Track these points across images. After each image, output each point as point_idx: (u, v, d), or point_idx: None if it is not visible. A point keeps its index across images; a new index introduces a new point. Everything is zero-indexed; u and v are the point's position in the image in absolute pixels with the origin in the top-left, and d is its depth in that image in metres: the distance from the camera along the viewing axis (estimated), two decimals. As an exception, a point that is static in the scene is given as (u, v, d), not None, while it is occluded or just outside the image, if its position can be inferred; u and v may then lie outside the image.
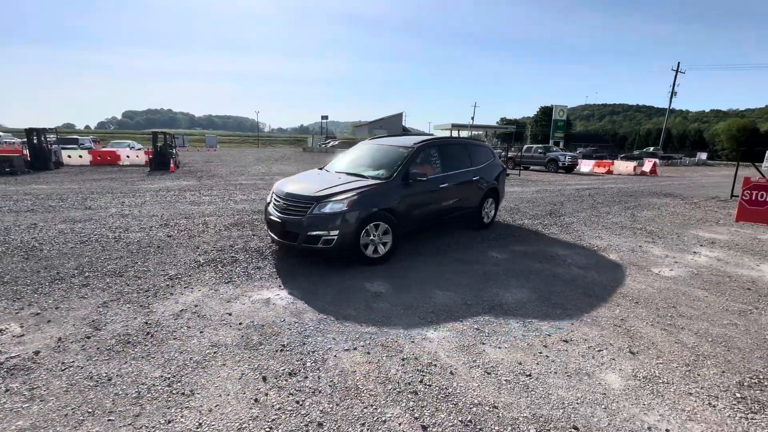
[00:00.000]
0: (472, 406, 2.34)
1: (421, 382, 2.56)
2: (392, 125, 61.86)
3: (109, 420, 2.14)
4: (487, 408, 2.33)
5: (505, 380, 2.61)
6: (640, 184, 16.54)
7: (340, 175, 5.40)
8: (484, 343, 3.09)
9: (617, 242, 6.38)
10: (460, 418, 2.23)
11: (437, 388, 2.51)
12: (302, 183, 5.21)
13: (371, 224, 4.67)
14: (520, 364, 2.81)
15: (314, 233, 4.46)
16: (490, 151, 7.23)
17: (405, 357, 2.85)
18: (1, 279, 4.09)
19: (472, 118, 70.37)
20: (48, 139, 18.06)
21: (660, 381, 2.66)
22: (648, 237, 6.79)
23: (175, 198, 9.67)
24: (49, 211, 7.55)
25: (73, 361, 2.69)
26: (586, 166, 24.28)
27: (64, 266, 4.52)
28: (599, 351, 3.02)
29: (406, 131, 65.87)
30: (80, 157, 19.41)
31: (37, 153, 16.46)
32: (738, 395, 2.53)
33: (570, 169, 22.44)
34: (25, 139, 17.25)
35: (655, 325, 3.47)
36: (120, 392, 2.38)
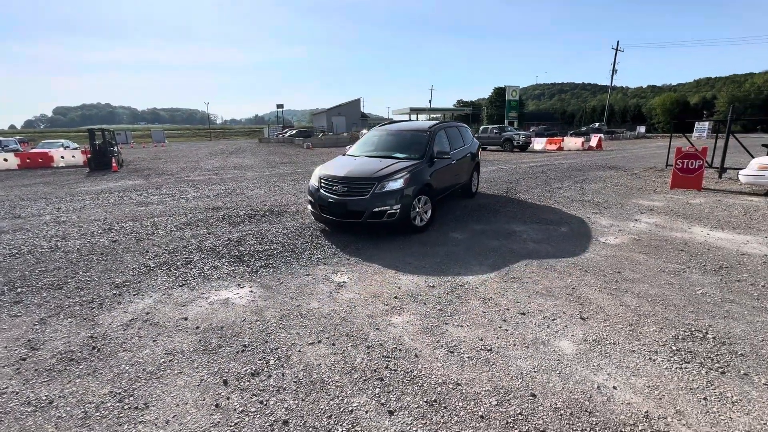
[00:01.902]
0: (436, 385, 2.40)
1: (386, 368, 2.58)
2: (351, 111, 60.92)
3: (51, 446, 1.98)
4: (450, 386, 2.39)
5: (468, 357, 2.69)
6: (588, 158, 17.53)
7: (379, 160, 6.00)
8: (446, 323, 3.16)
9: (568, 215, 6.74)
10: (425, 399, 2.28)
11: (402, 372, 2.54)
12: (350, 167, 5.72)
13: (418, 197, 5.48)
14: (481, 339, 2.91)
15: (379, 209, 5.17)
16: (470, 132, 8.52)
17: (370, 345, 2.86)
18: None
19: (430, 102, 71.00)
20: (-37, 143, 16.09)
21: (607, 342, 2.86)
22: (595, 208, 7.23)
23: (120, 199, 9.00)
24: (-30, 224, 6.75)
25: (6, 387, 2.44)
26: (539, 143, 25.34)
27: (-9, 283, 4.08)
28: (553, 320, 3.19)
29: (364, 117, 65.17)
30: (5, 160, 17.51)
31: (-49, 158, 14.64)
32: (674, 348, 2.77)
33: (524, 147, 23.31)
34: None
35: (603, 291, 3.72)
36: (64, 415, 2.20)
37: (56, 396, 2.36)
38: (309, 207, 5.96)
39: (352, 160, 6.19)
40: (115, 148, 18.94)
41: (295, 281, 4.05)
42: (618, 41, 48.16)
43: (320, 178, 5.68)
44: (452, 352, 2.75)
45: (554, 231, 5.81)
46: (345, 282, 4.03)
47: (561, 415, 2.15)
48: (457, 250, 5.00)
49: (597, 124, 48.76)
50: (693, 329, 3.02)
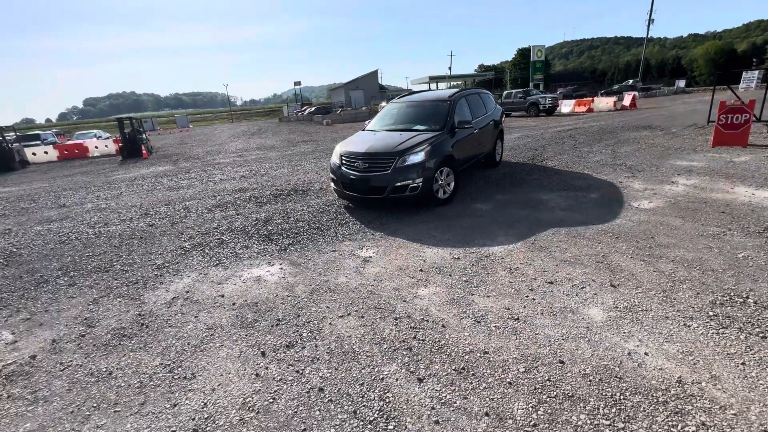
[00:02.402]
0: (464, 354, 2.46)
1: (414, 338, 2.66)
2: (368, 84, 59.73)
3: (115, 411, 2.20)
4: (478, 354, 2.45)
5: (495, 326, 2.73)
6: (621, 119, 16.55)
7: (399, 133, 5.93)
8: (472, 294, 3.19)
9: (599, 180, 6.48)
10: (453, 367, 2.35)
11: (430, 341, 2.61)
12: (370, 143, 5.68)
13: (440, 169, 5.43)
14: (508, 309, 2.93)
15: (401, 183, 5.15)
16: (492, 99, 8.16)
17: (398, 316, 2.94)
18: (-17, 289, 4.02)
19: (450, 69, 68.34)
20: (8, 139, 17.10)
21: (639, 309, 2.80)
22: (628, 172, 6.90)
23: (152, 185, 9.40)
24: (23, 214, 7.29)
25: (71, 360, 2.71)
26: (566, 106, 24.08)
27: (47, 268, 4.44)
28: (582, 288, 3.15)
29: (383, 89, 63.81)
30: (45, 153, 18.50)
31: (0, 154, 15.64)
32: (711, 313, 2.69)
33: (551, 111, 22.25)
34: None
35: (635, 258, 3.61)
36: (123, 384, 2.43)
37: (114, 368, 2.59)
38: (332, 184, 6.01)
39: (372, 135, 6.14)
40: (144, 136, 19.57)
41: (323, 257, 4.17)
42: (655, -13, 43.95)
43: (341, 155, 5.69)
44: (479, 322, 2.79)
45: (583, 198, 5.62)
46: (371, 257, 4.10)
47: (590, 381, 2.16)
48: (481, 221, 4.95)
49: (630, 81, 45.56)
50: (732, 294, 2.90)
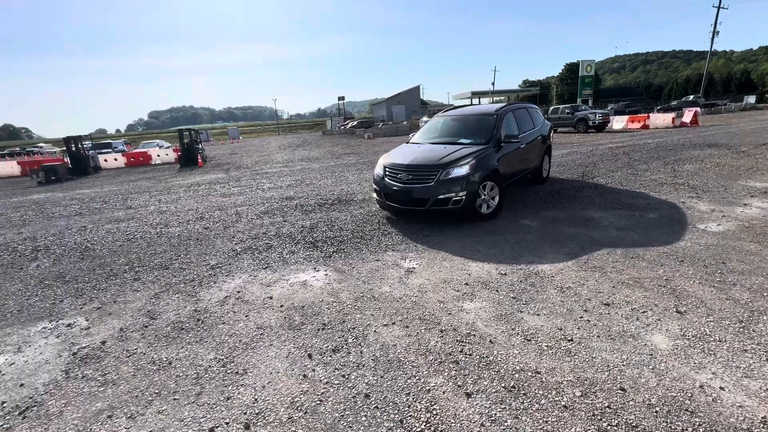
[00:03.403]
0: (514, 372, 2.37)
1: (461, 351, 2.60)
2: (410, 99, 60.43)
3: (174, 399, 2.33)
4: (529, 374, 2.34)
5: (546, 346, 2.60)
6: (681, 136, 15.47)
7: (443, 146, 5.91)
8: (521, 311, 3.07)
9: (657, 200, 6.07)
10: (503, 384, 2.26)
11: (478, 356, 2.54)
12: (414, 155, 5.74)
13: (483, 184, 5.35)
14: (561, 329, 2.79)
15: (443, 196, 5.12)
16: (540, 114, 7.98)
17: (443, 329, 2.89)
18: (63, 278, 4.45)
19: (493, 84, 67.62)
20: (84, 146, 19.04)
21: (711, 339, 2.56)
22: (691, 192, 6.40)
23: (207, 191, 10.03)
24: (95, 213, 8.05)
25: (136, 348, 2.92)
26: (618, 122, 22.93)
27: (116, 263, 4.85)
28: (643, 312, 2.94)
29: (424, 104, 64.28)
30: (115, 160, 20.38)
31: (77, 160, 17.44)
32: (799, 350, 2.40)
33: (601, 127, 21.26)
34: (65, 148, 18.24)
35: (704, 283, 3.32)
36: (181, 374, 2.57)
37: (174, 358, 2.76)
38: (374, 195, 6.10)
39: (416, 148, 6.18)
40: (200, 146, 21.04)
41: (366, 266, 4.21)
42: (720, -3, 41.10)
43: (385, 167, 5.77)
44: (529, 341, 2.68)
45: (641, 217, 5.28)
46: (414, 268, 4.09)
47: (656, 412, 1.99)
48: (529, 237, 4.79)
49: (691, 97, 42.62)
50: (825, 330, 2.58)
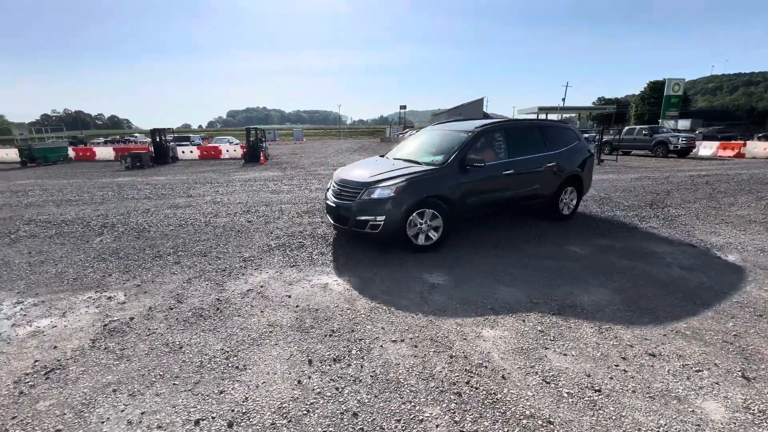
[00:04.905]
0: (522, 417, 2.09)
1: (467, 383, 2.37)
2: (472, 111, 59.26)
3: (173, 384, 2.39)
4: (540, 422, 2.06)
5: (567, 393, 2.28)
6: (784, 169, 13.31)
7: (396, 162, 5.40)
8: (547, 348, 2.75)
9: (741, 240, 5.20)
10: (505, 429, 2.01)
11: (484, 392, 2.29)
12: (358, 170, 5.35)
13: (420, 211, 4.62)
14: (589, 376, 2.44)
15: (362, 218, 4.59)
16: (573, 134, 6.40)
17: (454, 354, 2.67)
18: (117, 254, 4.89)
19: (563, 100, 64.04)
20: (167, 138, 21.20)
21: (785, 419, 2.07)
22: (788, 234, 5.41)
23: (260, 187, 10.58)
24: (161, 198, 8.84)
25: (156, 329, 3.07)
26: (707, 148, 20.41)
27: (164, 246, 5.23)
28: (698, 371, 2.47)
29: (486, 117, 62.71)
30: (191, 152, 22.43)
31: (159, 150, 19.44)
32: None
33: (685, 152, 19.07)
34: (150, 139, 20.46)
35: (786, 347, 2.72)
36: (187, 360, 2.64)
37: (185, 343, 2.85)
38: None
39: (372, 162, 5.77)
40: (264, 144, 22.40)
41: (390, 276, 4.08)
42: None
43: (332, 180, 5.48)
44: (548, 383, 2.37)
45: (715, 258, 4.55)
46: (438, 283, 3.88)
47: (692, 499, 1.63)
48: (572, 265, 4.34)
49: (805, 125, 36.67)
50: None
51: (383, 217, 4.51)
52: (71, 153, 22.14)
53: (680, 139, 19.16)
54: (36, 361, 2.66)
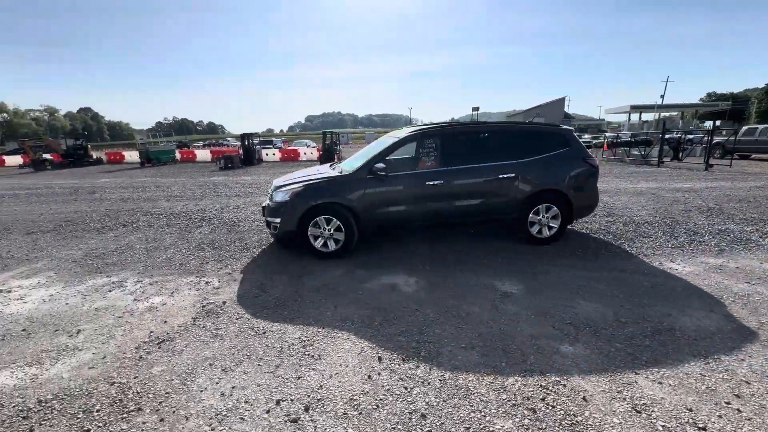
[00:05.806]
0: (606, 445, 1.91)
1: (542, 400, 2.24)
2: (552, 112, 55.50)
3: (258, 365, 2.64)
4: (628, 453, 1.86)
5: (662, 426, 2.03)
6: None
7: (327, 169, 5.52)
8: (637, 373, 2.47)
9: None
10: (587, 455, 1.86)
11: (562, 411, 2.14)
12: (292, 175, 5.57)
13: (320, 217, 4.68)
14: (691, 411, 2.14)
15: (268, 218, 4.97)
16: (561, 140, 5.15)
17: (528, 368, 2.54)
18: (213, 245, 5.53)
19: (662, 96, 56.80)
20: (253, 142, 23.36)
21: None
22: None
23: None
24: (248, 196, 9.76)
25: (244, 313, 3.41)
26: None
27: (251, 239, 5.77)
28: (843, 424, 2.03)
29: (568, 117, 58.25)
30: (273, 154, 24.43)
31: (247, 152, 21.50)
32: None
33: (827, 156, 15.66)
34: (240, 142, 22.72)
35: None
36: (269, 344, 2.89)
37: (268, 329, 3.12)
38: None
39: (312, 169, 5.93)
40: (338, 147, 23.50)
41: (459, 281, 4.02)
42: None
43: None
44: (639, 412, 2.13)
45: None
46: (512, 293, 3.71)
47: None
48: (671, 284, 3.84)
49: None
50: None
51: (279, 220, 4.75)
52: (178, 155, 25.55)
53: (822, 140, 15.76)
54: (151, 332, 3.13)
